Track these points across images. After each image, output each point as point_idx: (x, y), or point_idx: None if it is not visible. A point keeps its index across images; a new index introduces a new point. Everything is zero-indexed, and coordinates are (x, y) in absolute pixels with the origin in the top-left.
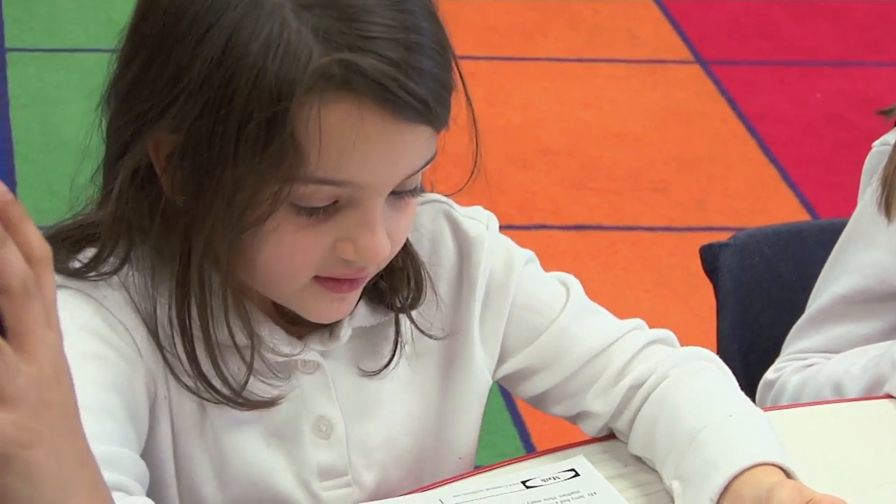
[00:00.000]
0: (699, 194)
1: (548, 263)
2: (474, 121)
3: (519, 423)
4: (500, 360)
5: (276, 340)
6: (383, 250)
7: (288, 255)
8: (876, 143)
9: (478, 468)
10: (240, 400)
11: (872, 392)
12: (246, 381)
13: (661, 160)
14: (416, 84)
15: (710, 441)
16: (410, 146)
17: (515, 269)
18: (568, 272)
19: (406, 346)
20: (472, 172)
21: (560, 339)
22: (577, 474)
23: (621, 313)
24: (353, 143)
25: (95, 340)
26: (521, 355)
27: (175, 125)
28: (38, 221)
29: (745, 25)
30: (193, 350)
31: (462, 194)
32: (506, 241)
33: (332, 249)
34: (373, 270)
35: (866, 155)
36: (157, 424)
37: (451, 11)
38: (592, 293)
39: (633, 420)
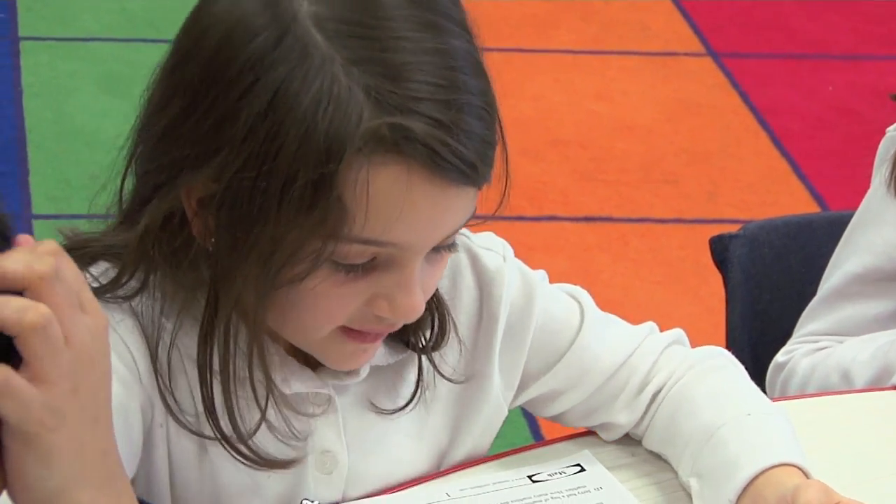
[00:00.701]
0: (710, 187)
1: (558, 254)
2: (507, 173)
3: (528, 413)
4: (522, 387)
5: (292, 378)
6: (419, 307)
7: (321, 309)
8: (890, 128)
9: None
10: (253, 457)
11: (880, 380)
12: (256, 429)
13: (672, 152)
14: (464, 147)
15: (730, 439)
16: (455, 207)
17: (537, 297)
18: (578, 264)
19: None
20: (498, 206)
21: (582, 359)
22: (582, 469)
23: (631, 305)
24: (401, 208)
25: None
26: (544, 379)
27: (215, 175)
28: (51, 210)
29: (756, 18)
30: (212, 395)
31: None
32: (519, 266)
33: (365, 304)
34: (401, 324)
35: (877, 147)
36: (153, 449)
37: (464, 3)
38: (603, 285)
39: (651, 421)
